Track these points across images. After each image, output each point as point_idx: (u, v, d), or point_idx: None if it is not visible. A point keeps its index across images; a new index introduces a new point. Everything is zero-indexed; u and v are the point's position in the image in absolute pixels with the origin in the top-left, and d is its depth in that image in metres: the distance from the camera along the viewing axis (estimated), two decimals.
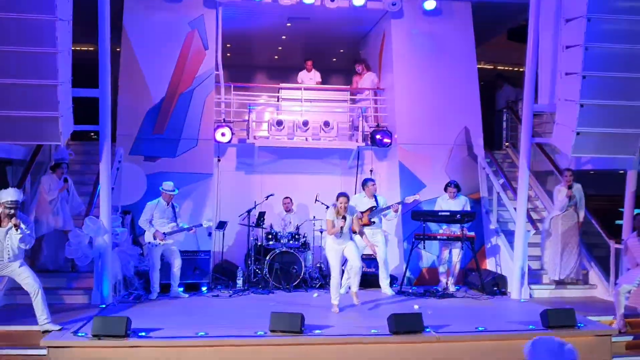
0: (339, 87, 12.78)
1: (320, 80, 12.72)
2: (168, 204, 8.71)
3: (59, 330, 6.55)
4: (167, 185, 8.72)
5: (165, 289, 8.83)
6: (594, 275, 9.55)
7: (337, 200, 7.76)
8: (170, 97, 10.35)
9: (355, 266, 7.89)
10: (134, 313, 7.19)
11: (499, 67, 15.44)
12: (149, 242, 8.58)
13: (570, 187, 9.36)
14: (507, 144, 12.45)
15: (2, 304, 7.90)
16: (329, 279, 9.79)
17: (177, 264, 8.76)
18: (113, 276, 8.29)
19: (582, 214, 9.42)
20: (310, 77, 12.64)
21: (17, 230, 6.40)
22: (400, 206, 9.28)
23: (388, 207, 9.13)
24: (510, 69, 15.30)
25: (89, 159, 10.63)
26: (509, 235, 9.76)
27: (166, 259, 8.78)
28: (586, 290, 9.39)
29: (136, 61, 10.34)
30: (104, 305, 7.94)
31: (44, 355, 6.12)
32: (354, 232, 8.02)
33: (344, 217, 7.73)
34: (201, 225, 9.04)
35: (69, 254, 7.99)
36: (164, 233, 8.55)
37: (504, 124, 12.57)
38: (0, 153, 9.11)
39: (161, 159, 10.23)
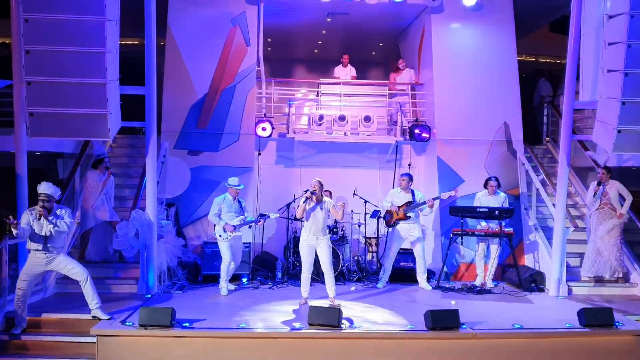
0: (377, 82, 12.84)
1: (355, 75, 12.76)
2: (235, 199, 8.85)
3: (108, 319, 6.85)
4: (233, 180, 8.84)
5: (213, 279, 9.10)
6: (635, 273, 9.44)
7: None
8: (213, 92, 10.61)
9: (324, 269, 7.95)
10: (178, 303, 7.46)
11: (540, 60, 15.25)
12: (220, 235, 8.72)
13: (599, 184, 9.28)
14: (547, 139, 12.32)
15: (54, 292, 8.30)
16: (366, 272, 10.02)
17: (237, 260, 8.93)
18: (158, 267, 8.58)
19: (623, 211, 9.30)
20: (346, 72, 12.70)
21: (41, 218, 6.67)
22: (436, 202, 9.33)
23: (423, 203, 9.20)
24: (552, 61, 15.09)
25: (134, 152, 10.97)
26: (548, 232, 9.72)
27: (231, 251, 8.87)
28: (626, 289, 9.28)
29: (180, 57, 10.62)
30: (149, 295, 8.25)
31: (94, 343, 6.40)
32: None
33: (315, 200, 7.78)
34: (268, 216, 9.20)
35: (116, 245, 8.30)
36: (233, 225, 8.74)
37: (545, 119, 12.44)
38: (51, 147, 9.52)
39: (204, 153, 10.51)
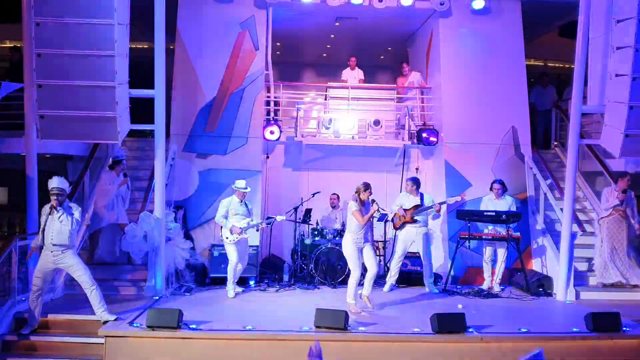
0: (385, 86, 12.87)
1: (362, 78, 12.78)
2: (241, 201, 8.87)
3: (115, 320, 6.91)
4: (240, 183, 8.85)
5: (221, 281, 9.13)
6: None
7: (363, 191, 7.87)
8: (222, 96, 10.66)
9: (372, 272, 7.91)
10: (185, 305, 7.48)
11: (549, 64, 15.23)
12: (226, 237, 8.72)
13: (625, 192, 9.24)
14: (555, 143, 12.30)
15: (63, 293, 8.36)
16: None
17: (244, 262, 8.97)
18: (166, 269, 8.63)
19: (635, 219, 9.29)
20: (354, 75, 12.73)
21: (52, 212, 6.83)
22: (443, 206, 9.32)
23: (430, 207, 9.20)
24: (561, 66, 15.07)
25: (143, 155, 11.04)
26: (556, 236, 9.70)
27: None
28: (635, 294, 9.24)
29: (189, 61, 10.68)
30: (157, 297, 8.29)
31: (102, 343, 6.46)
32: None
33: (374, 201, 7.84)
34: (275, 219, 9.26)
35: (125, 247, 8.36)
36: (240, 227, 8.73)
37: (553, 123, 12.41)
38: (61, 149, 9.61)
39: (212, 156, 10.56)
